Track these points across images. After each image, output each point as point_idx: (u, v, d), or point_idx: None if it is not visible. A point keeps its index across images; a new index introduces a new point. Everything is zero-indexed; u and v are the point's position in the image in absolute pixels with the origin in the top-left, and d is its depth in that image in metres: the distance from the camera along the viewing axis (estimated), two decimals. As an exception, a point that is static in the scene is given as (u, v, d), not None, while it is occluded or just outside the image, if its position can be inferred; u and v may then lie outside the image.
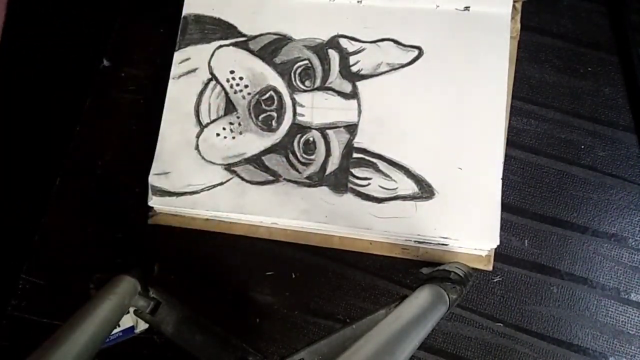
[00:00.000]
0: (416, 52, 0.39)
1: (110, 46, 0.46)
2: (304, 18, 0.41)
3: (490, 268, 0.38)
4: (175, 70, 0.41)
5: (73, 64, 0.49)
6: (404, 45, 0.39)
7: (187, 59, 0.41)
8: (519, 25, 0.40)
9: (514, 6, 0.39)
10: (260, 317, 0.40)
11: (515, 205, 0.40)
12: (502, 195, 0.39)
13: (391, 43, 0.39)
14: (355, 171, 0.38)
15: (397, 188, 0.38)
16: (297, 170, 0.39)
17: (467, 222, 0.36)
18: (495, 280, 0.39)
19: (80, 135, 0.45)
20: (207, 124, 0.40)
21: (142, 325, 0.39)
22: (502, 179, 0.40)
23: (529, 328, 0.38)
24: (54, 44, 0.46)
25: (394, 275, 0.40)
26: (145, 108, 0.42)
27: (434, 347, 0.39)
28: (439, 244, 0.37)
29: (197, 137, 0.40)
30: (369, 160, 0.38)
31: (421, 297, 0.29)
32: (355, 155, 0.38)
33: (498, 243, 0.36)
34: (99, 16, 0.48)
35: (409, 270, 0.40)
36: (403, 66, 0.39)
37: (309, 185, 0.38)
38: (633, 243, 0.39)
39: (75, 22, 0.47)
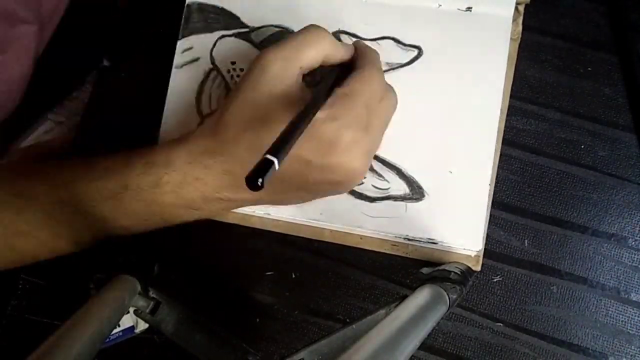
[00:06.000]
0: (415, 52, 0.39)
1: (110, 46, 0.46)
2: (307, 12, 0.41)
3: (478, 268, 0.38)
4: (178, 59, 0.41)
5: (73, 64, 0.49)
6: (404, 45, 0.39)
7: (190, 48, 0.42)
8: (520, 28, 0.40)
9: (516, 8, 0.39)
10: (260, 317, 0.40)
11: (515, 205, 0.40)
12: (502, 195, 0.39)
13: (391, 42, 0.40)
14: None
15: (389, 188, 0.38)
16: None
17: (454, 225, 0.37)
18: (495, 280, 0.39)
19: (80, 135, 0.45)
20: (208, 114, 0.40)
21: (142, 325, 0.39)
22: (502, 179, 0.40)
23: (529, 328, 0.38)
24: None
25: (394, 275, 0.40)
26: (145, 108, 0.42)
27: (434, 347, 0.39)
28: (427, 243, 0.37)
29: (198, 126, 0.40)
30: None
31: (421, 297, 0.29)
32: None
33: (482, 246, 0.37)
34: (99, 16, 0.48)
35: (409, 270, 0.40)
36: (402, 66, 0.39)
37: None
38: (633, 243, 0.39)
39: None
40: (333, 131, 0.30)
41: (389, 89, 0.35)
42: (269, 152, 0.24)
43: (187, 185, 0.33)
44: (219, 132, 0.33)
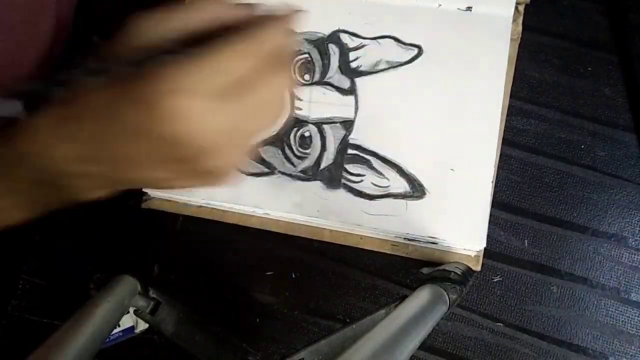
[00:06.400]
0: (416, 51, 0.39)
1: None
2: (307, 11, 0.41)
3: (479, 268, 0.38)
4: None
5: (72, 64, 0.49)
6: (404, 44, 0.39)
7: None
8: (520, 28, 0.40)
9: (516, 8, 0.39)
10: (260, 317, 0.40)
11: (515, 205, 0.40)
12: (502, 195, 0.39)
13: (391, 41, 0.39)
14: (349, 167, 0.38)
15: (389, 186, 0.38)
16: (292, 163, 0.39)
17: (456, 223, 0.37)
18: (495, 280, 0.39)
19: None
20: None
21: (142, 325, 0.39)
22: (502, 179, 0.40)
23: (529, 328, 0.38)
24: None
25: (394, 275, 0.40)
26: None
27: (434, 347, 0.39)
28: (428, 242, 0.37)
29: None
30: (363, 157, 0.38)
31: (421, 297, 0.29)
32: (350, 151, 0.39)
33: (484, 245, 0.37)
34: (99, 16, 0.48)
35: (409, 270, 0.40)
36: (402, 64, 0.39)
37: (303, 179, 0.39)
38: (633, 243, 0.39)
39: (74, 21, 0.46)
40: (162, 93, 0.26)
41: (274, 71, 0.29)
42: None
43: (41, 155, 0.30)
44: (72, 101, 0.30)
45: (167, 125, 0.27)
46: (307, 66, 0.40)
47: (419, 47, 0.39)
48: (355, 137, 0.39)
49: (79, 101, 0.30)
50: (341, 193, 0.38)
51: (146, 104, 0.27)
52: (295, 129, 0.39)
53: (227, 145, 0.30)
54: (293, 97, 0.36)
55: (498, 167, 0.39)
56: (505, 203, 0.40)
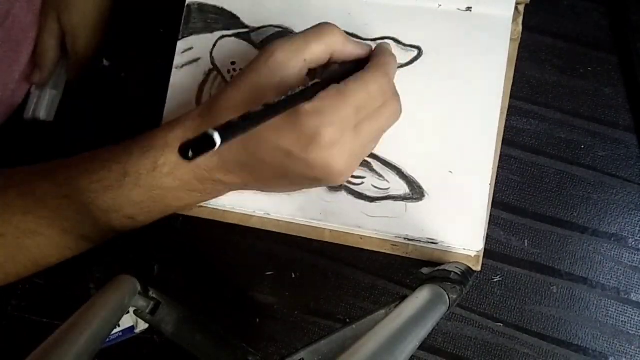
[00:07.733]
0: (415, 52, 0.39)
1: (110, 46, 0.46)
2: (307, 12, 0.41)
3: (479, 268, 0.38)
4: (178, 59, 0.41)
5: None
6: (404, 45, 0.39)
7: (190, 49, 0.41)
8: (520, 28, 0.40)
9: (516, 8, 0.39)
10: (260, 317, 0.40)
11: (515, 205, 0.40)
12: (502, 195, 0.39)
13: (391, 42, 0.39)
14: None
15: (389, 188, 0.38)
16: None
17: (455, 225, 0.37)
18: (495, 280, 0.39)
19: (79, 136, 0.45)
20: None
21: (142, 325, 0.39)
22: (502, 179, 0.40)
23: (529, 328, 0.38)
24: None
25: (394, 275, 0.40)
26: (145, 108, 0.42)
27: (434, 347, 0.39)
28: (428, 242, 0.38)
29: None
30: (363, 160, 0.38)
31: (421, 297, 0.29)
32: None
33: (482, 247, 0.37)
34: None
35: (409, 270, 0.40)
36: (402, 66, 0.39)
37: None
38: (633, 243, 0.39)
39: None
40: (315, 125, 0.30)
41: (394, 97, 0.34)
42: (216, 127, 0.23)
43: (182, 166, 0.34)
44: (211, 113, 0.33)
45: (316, 151, 0.31)
46: None
47: (418, 48, 0.39)
48: None
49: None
50: (343, 195, 0.38)
51: (308, 135, 0.30)
52: (296, 131, 0.39)
53: (354, 166, 0.34)
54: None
55: (498, 167, 0.39)
56: (505, 203, 0.40)
